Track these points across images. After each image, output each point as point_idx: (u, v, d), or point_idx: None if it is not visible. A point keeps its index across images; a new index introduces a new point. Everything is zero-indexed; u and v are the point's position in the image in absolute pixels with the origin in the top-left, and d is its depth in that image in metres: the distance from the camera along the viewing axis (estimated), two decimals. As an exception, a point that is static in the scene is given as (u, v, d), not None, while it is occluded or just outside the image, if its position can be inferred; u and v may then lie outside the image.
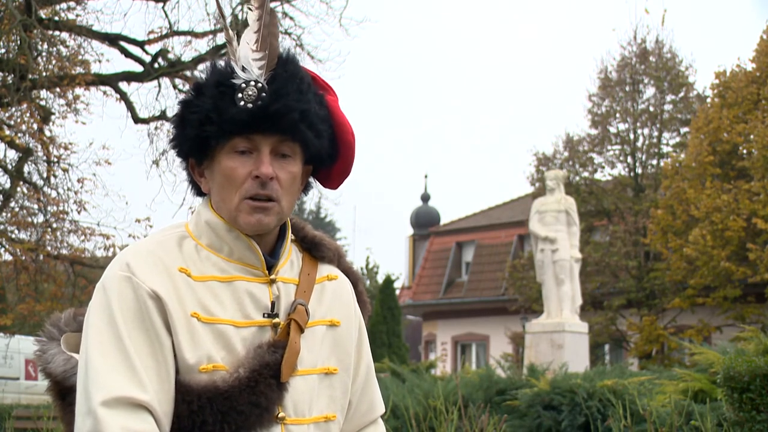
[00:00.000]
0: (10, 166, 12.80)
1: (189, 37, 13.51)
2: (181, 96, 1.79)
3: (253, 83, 1.81)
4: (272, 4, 1.93)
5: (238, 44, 1.87)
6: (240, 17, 12.14)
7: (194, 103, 1.85)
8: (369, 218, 69.68)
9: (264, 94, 1.80)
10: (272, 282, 1.89)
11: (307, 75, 1.90)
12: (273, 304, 1.87)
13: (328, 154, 1.91)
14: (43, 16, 12.20)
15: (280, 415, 1.83)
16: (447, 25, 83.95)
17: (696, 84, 24.50)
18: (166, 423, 1.75)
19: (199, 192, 1.95)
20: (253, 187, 1.81)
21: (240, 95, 1.80)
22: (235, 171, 1.82)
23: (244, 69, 1.83)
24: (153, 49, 13.71)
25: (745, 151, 20.53)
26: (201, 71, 1.94)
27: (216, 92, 1.82)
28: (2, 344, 15.14)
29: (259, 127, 1.80)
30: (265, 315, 1.86)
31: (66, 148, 12.59)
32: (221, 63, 1.88)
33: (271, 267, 1.90)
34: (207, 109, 1.82)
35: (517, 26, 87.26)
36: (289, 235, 1.96)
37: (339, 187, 2.02)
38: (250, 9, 1.89)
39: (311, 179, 1.98)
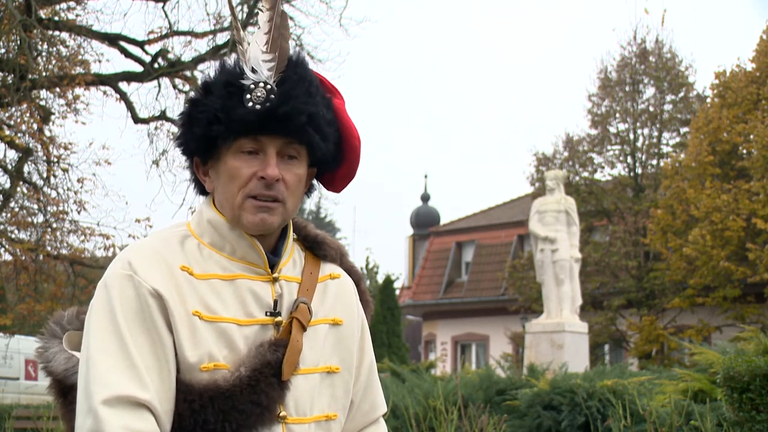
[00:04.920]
0: (10, 166, 12.79)
1: (189, 37, 13.51)
2: (186, 95, 1.77)
3: (262, 85, 1.81)
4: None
5: (249, 45, 1.86)
6: (240, 17, 12.14)
7: (202, 102, 1.85)
8: (369, 218, 69.71)
9: (273, 96, 1.80)
10: (275, 280, 1.89)
11: (316, 78, 1.90)
12: (275, 302, 1.87)
13: (333, 157, 1.91)
14: (43, 16, 12.19)
15: (281, 414, 1.83)
16: (447, 25, 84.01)
17: (696, 84, 24.54)
18: (166, 422, 1.75)
19: (201, 191, 1.95)
20: (258, 187, 1.81)
21: (249, 96, 1.80)
22: (240, 171, 1.82)
23: (253, 70, 1.83)
24: (153, 49, 13.71)
25: (744, 151, 20.54)
26: (204, 71, 1.95)
27: (225, 92, 1.82)
28: (2, 344, 15.13)
29: (267, 128, 1.80)
30: (268, 313, 1.86)
31: (66, 148, 12.58)
32: (230, 62, 1.88)
33: (273, 265, 1.90)
34: (215, 108, 1.81)
35: (517, 26, 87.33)
36: (291, 234, 1.95)
37: (342, 191, 2.02)
38: (261, 10, 1.89)
39: (315, 182, 1.99)
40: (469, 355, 29.42)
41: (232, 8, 2.06)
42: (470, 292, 29.29)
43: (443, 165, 77.01)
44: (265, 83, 1.81)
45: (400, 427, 8.99)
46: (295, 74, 1.84)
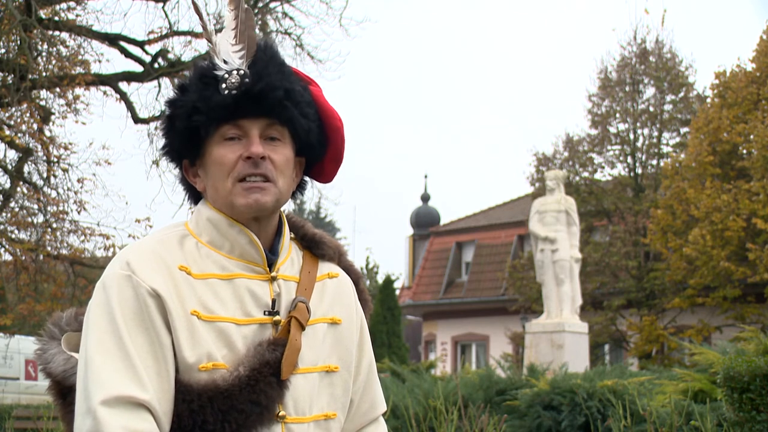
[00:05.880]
0: (10, 166, 12.79)
1: (189, 37, 13.52)
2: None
3: (235, 71, 1.84)
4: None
5: (218, 41, 1.90)
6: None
7: (180, 99, 1.89)
8: (369, 218, 69.71)
9: (247, 80, 1.83)
10: (273, 279, 1.89)
11: (288, 65, 1.93)
12: (274, 301, 1.88)
13: (318, 141, 1.93)
14: (43, 16, 12.18)
15: (280, 414, 1.83)
16: (447, 25, 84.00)
17: (696, 84, 24.53)
18: (165, 422, 1.75)
19: (196, 199, 1.97)
20: (245, 168, 1.83)
21: (224, 85, 1.83)
22: (225, 157, 1.84)
23: (225, 62, 1.86)
24: (153, 49, 13.72)
25: (744, 151, 20.54)
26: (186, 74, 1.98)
27: (200, 84, 1.86)
28: (2, 344, 15.12)
29: (246, 110, 1.83)
30: (266, 313, 1.86)
31: (66, 148, 12.57)
32: (203, 62, 1.92)
33: (271, 264, 1.90)
34: (193, 100, 1.85)
35: (517, 26, 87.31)
36: (287, 231, 1.96)
37: (333, 180, 2.03)
38: (227, 12, 1.94)
39: (306, 178, 1.99)
40: (469, 355, 29.42)
41: (197, 8, 2.08)
42: (470, 292, 29.29)
43: (443, 165, 77.03)
44: (238, 69, 1.85)
45: (400, 427, 8.99)
46: (265, 55, 1.88)
